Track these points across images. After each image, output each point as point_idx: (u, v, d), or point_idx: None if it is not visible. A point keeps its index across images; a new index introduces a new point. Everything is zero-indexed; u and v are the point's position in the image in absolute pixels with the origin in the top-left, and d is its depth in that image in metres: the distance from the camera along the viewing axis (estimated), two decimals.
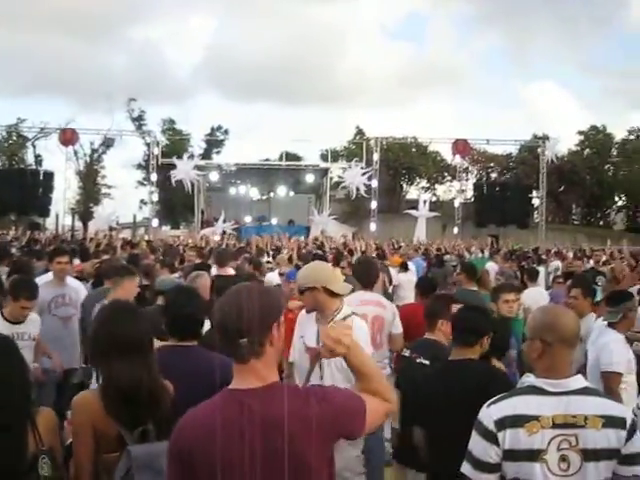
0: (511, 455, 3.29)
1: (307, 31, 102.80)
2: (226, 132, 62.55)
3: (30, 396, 3.45)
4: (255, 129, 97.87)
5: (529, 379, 3.49)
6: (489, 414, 3.38)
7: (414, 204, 41.99)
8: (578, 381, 3.40)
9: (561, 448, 3.26)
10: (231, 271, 10.97)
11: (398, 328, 7.08)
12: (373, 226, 41.29)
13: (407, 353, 5.89)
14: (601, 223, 63.21)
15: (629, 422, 3.30)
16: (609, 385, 5.78)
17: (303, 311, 5.86)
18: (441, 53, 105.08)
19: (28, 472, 3.22)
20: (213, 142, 60.54)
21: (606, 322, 6.36)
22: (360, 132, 60.32)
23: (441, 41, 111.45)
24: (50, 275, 9.19)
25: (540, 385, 3.39)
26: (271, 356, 2.83)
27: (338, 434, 2.85)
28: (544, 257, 21.48)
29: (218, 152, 60.33)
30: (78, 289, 9.13)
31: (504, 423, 3.31)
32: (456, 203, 45.55)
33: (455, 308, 5.74)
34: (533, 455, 3.27)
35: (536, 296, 10.75)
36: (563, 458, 3.26)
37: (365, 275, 7.30)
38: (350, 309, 5.65)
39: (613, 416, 3.29)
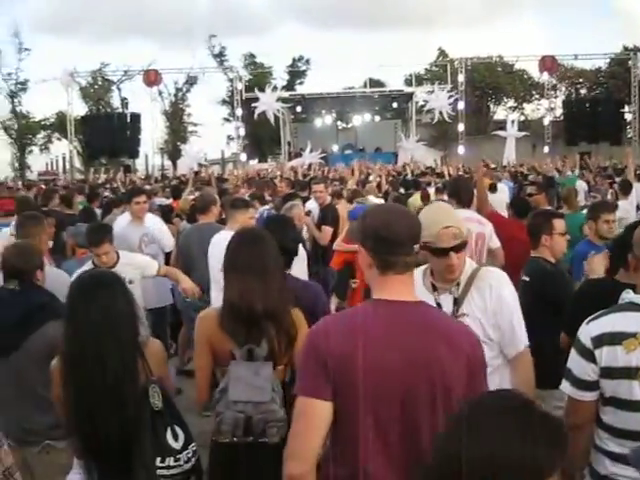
0: (608, 373, 3.19)
1: None
2: (308, 62, 61.91)
3: (137, 327, 3.55)
4: (337, 57, 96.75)
5: (629, 295, 3.31)
6: (588, 331, 3.27)
7: (502, 125, 41.13)
8: None
9: None
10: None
11: (496, 243, 7.09)
12: (461, 149, 40.77)
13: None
14: None
15: None
16: None
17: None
18: None
19: (140, 401, 3.35)
20: (295, 73, 60.15)
21: None
22: (443, 54, 59.17)
23: None
24: (126, 216, 9.23)
25: (638, 301, 3.24)
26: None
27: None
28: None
29: (301, 83, 60.07)
30: (155, 223, 9.30)
31: (602, 340, 3.19)
32: (545, 121, 44.62)
33: (558, 223, 5.66)
34: (631, 373, 3.14)
35: (626, 207, 10.56)
36: None
37: (462, 193, 7.29)
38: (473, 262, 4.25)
39: None
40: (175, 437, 3.36)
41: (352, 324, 2.72)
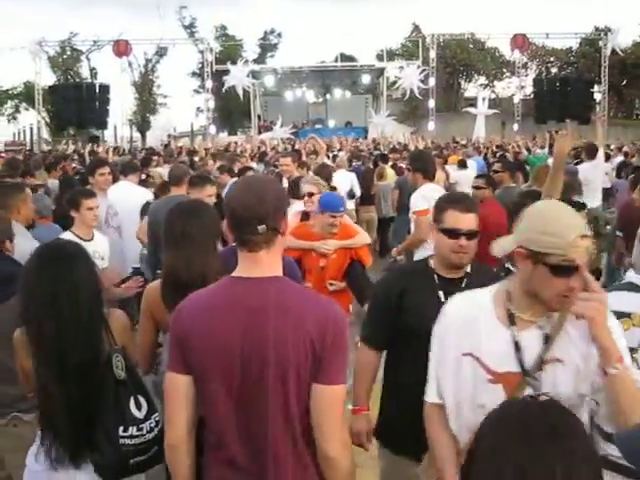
0: None
1: None
2: (279, 35, 61.69)
3: (101, 297, 3.51)
4: (309, 30, 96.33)
5: (629, 274, 3.34)
6: None
7: (473, 102, 41.36)
8: None
9: None
10: None
11: None
12: (431, 125, 40.83)
13: None
14: None
15: None
16: None
17: (453, 307, 2.98)
18: None
19: (104, 371, 3.32)
20: (267, 46, 59.84)
21: None
22: (417, 29, 59.07)
23: None
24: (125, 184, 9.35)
25: (636, 282, 3.27)
26: (279, 246, 2.81)
27: (313, 372, 2.68)
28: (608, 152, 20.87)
29: (272, 56, 59.86)
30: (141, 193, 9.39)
31: None
32: (515, 99, 44.91)
33: None
34: None
35: (589, 169, 10.86)
36: None
37: (429, 166, 7.32)
38: None
39: None
40: (138, 406, 3.35)
41: (203, 301, 2.82)
